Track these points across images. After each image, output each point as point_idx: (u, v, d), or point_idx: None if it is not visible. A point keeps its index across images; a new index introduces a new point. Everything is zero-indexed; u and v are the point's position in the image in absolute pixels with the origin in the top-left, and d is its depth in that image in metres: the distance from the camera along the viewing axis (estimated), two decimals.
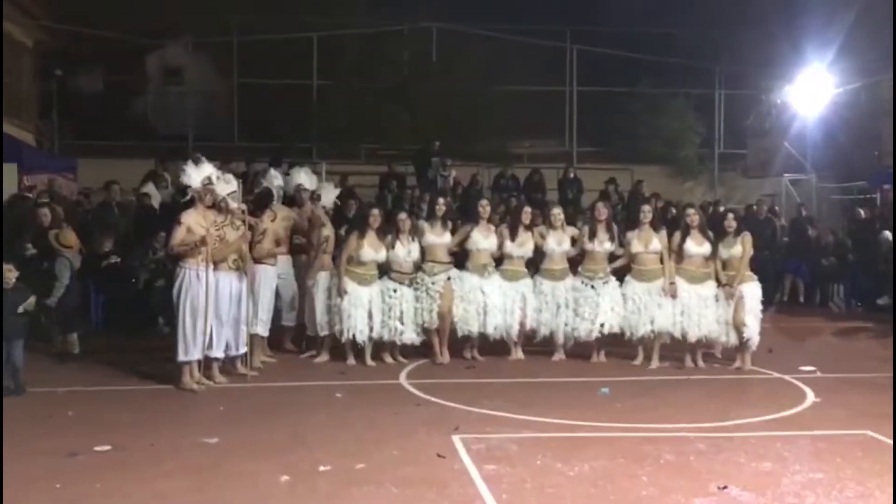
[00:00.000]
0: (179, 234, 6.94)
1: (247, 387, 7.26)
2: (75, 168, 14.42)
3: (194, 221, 7.02)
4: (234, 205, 7.36)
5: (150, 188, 12.38)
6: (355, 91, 17.98)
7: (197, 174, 7.13)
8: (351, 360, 8.32)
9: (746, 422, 6.20)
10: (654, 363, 8.35)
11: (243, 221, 7.40)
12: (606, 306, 8.39)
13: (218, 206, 7.25)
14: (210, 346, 7.14)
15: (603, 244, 8.54)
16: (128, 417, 6.16)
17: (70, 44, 18.46)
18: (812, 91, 17.69)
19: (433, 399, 6.80)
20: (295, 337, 9.00)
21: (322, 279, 8.39)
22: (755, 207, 14.91)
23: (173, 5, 18.91)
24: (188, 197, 7.16)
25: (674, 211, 12.85)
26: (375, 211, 8.54)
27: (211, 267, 7.03)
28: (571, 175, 15.94)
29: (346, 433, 5.75)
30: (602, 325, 8.38)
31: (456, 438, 5.57)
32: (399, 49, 19.02)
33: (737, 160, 19.95)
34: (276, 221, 8.31)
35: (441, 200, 8.75)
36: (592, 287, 8.47)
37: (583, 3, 19.37)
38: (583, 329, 8.45)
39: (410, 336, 8.34)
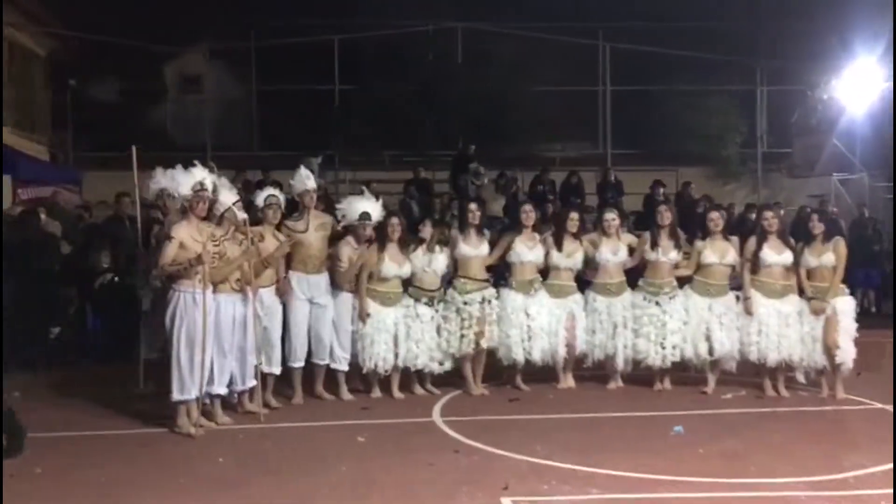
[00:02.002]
0: (171, 251, 5.94)
1: (253, 429, 6.25)
2: (79, 180, 13.57)
3: (188, 235, 6.02)
4: (240, 215, 6.39)
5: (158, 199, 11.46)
6: (378, 95, 17.29)
7: (186, 180, 6.13)
8: (376, 393, 7.30)
9: (867, 472, 5.04)
10: (711, 386, 7.36)
11: (246, 235, 6.42)
12: (675, 326, 7.33)
13: (218, 217, 6.29)
14: (211, 381, 6.16)
15: (668, 253, 7.45)
16: (106, 474, 5.13)
17: (84, 53, 18.04)
18: (861, 85, 16.69)
19: (474, 444, 5.73)
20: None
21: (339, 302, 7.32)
22: (808, 210, 13.77)
23: (190, 12, 18.48)
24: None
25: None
26: (395, 220, 7.40)
27: (210, 289, 6.05)
28: (612, 178, 14.87)
29: (370, 495, 4.72)
30: (674, 349, 7.31)
31: (507, 502, 4.51)
32: (423, 50, 18.33)
33: (781, 159, 19.04)
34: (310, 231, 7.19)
35: (473, 206, 7.64)
36: (657, 303, 7.40)
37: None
38: (651, 353, 7.37)
39: (426, 363, 7.29)
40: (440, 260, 7.37)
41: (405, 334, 7.22)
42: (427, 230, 7.45)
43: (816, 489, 4.73)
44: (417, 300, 7.29)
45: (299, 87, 17.92)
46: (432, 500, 4.61)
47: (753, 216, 12.43)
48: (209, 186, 6.16)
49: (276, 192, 7.13)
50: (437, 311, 7.34)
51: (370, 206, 7.30)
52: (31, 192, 11.11)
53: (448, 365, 7.40)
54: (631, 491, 4.74)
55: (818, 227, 7.27)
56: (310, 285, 7.10)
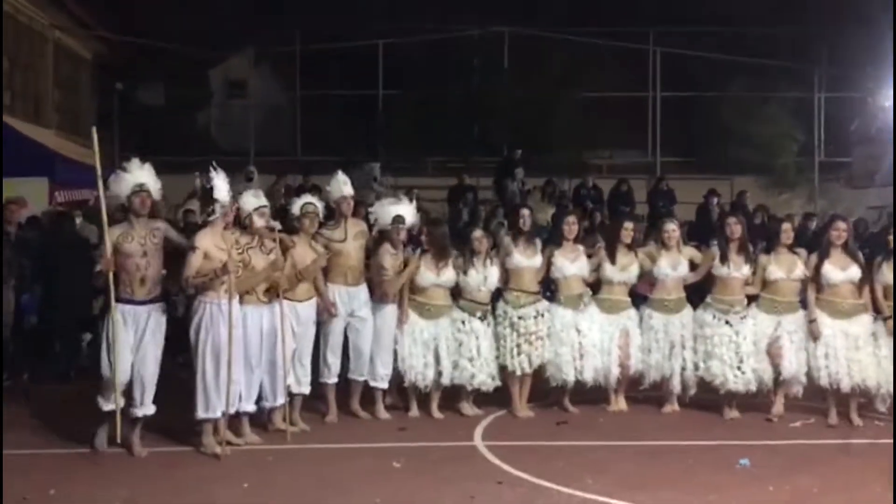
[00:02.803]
0: (195, 262, 5.61)
1: (283, 450, 5.90)
2: None
3: (212, 244, 5.70)
4: (265, 223, 6.06)
5: (194, 204, 11.27)
6: (422, 100, 17.14)
7: (225, 185, 5.81)
8: (414, 411, 6.92)
9: None
10: (778, 411, 6.85)
11: (276, 243, 6.09)
12: (749, 347, 6.82)
13: (242, 224, 5.99)
14: (239, 397, 5.85)
15: (740, 269, 6.94)
16: (121, 497, 4.81)
17: (130, 57, 18.18)
18: None
19: (519, 473, 5.29)
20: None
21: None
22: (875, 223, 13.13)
23: (235, 17, 18.51)
24: (213, 214, 5.83)
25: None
26: (437, 230, 7.08)
27: (236, 300, 5.73)
28: (664, 187, 14.33)
29: None
30: (754, 372, 6.82)
31: None
32: (469, 55, 18.14)
33: (839, 169, 18.37)
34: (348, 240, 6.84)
35: (525, 212, 7.18)
36: (728, 323, 6.89)
37: (665, 2, 18.28)
38: (729, 377, 6.83)
39: (483, 381, 6.89)
40: (493, 272, 6.98)
41: (454, 350, 6.83)
42: (483, 240, 7.02)
43: None
44: (472, 314, 6.90)
45: (343, 93, 17.90)
46: None
47: (813, 225, 11.96)
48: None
49: (314, 199, 6.77)
50: (488, 325, 6.94)
51: (403, 210, 6.94)
52: (68, 195, 10.92)
53: (497, 382, 6.99)
54: None
55: (892, 241, 6.71)
56: (350, 298, 6.74)
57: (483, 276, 6.93)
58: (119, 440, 5.54)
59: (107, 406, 5.61)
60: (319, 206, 6.70)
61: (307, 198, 6.80)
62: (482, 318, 6.93)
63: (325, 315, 6.57)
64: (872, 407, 6.89)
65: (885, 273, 6.71)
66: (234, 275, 5.65)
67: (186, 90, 19.04)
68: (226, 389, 5.63)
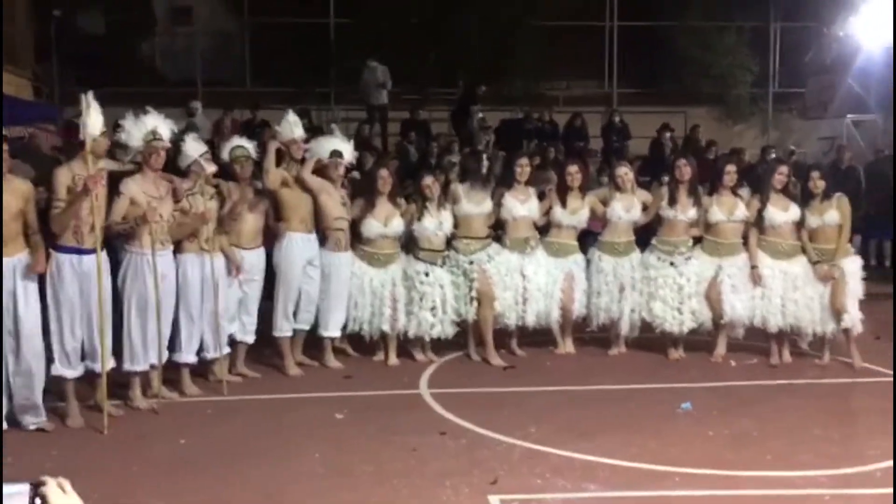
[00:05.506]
0: (119, 208, 5.38)
1: (223, 402, 5.78)
2: (55, 118, 12.84)
3: (139, 191, 5.45)
4: (208, 168, 5.81)
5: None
6: (376, 28, 16.43)
7: (137, 130, 5.51)
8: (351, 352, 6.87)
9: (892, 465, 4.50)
10: (720, 353, 6.93)
11: (217, 189, 5.87)
12: (692, 289, 6.83)
13: (186, 170, 5.75)
14: (177, 348, 5.71)
15: (686, 212, 6.89)
16: (53, 459, 4.65)
17: None
18: (879, 21, 15.70)
19: (462, 423, 5.26)
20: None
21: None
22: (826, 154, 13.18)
23: None
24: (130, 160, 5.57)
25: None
26: (384, 172, 6.81)
27: (169, 249, 5.57)
28: (618, 122, 14.16)
29: (340, 491, 4.25)
30: (693, 314, 6.83)
31: (495, 501, 4.06)
32: None
33: (793, 100, 18.27)
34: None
35: (483, 157, 7.01)
36: (672, 264, 6.86)
37: None
38: (668, 318, 6.86)
39: (444, 330, 6.80)
40: (447, 217, 6.81)
41: (408, 300, 6.72)
42: (434, 186, 6.81)
43: (840, 485, 4.29)
44: (433, 263, 6.76)
45: (294, 20, 17.18)
46: (412, 498, 4.16)
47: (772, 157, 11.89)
48: (164, 135, 5.55)
49: (242, 142, 6.42)
50: (449, 271, 6.82)
51: (340, 145, 6.69)
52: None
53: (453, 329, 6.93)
54: (632, 487, 4.30)
55: (819, 185, 6.69)
56: (308, 245, 6.50)
57: (438, 222, 6.77)
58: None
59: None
60: (250, 147, 6.35)
61: (235, 141, 6.47)
62: (443, 265, 6.81)
63: (233, 274, 6.19)
64: (798, 346, 7.02)
65: (808, 218, 6.71)
66: (158, 224, 5.42)
67: (128, 17, 18.18)
68: (155, 342, 5.49)
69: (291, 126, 6.56)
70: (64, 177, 5.10)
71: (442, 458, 4.68)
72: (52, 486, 1.53)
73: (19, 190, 5.01)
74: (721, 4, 17.37)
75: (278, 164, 6.51)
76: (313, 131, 8.61)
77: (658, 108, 15.81)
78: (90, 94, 5.17)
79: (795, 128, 17.91)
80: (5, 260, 4.90)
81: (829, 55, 17.57)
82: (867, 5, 15.92)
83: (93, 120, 5.13)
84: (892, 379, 6.27)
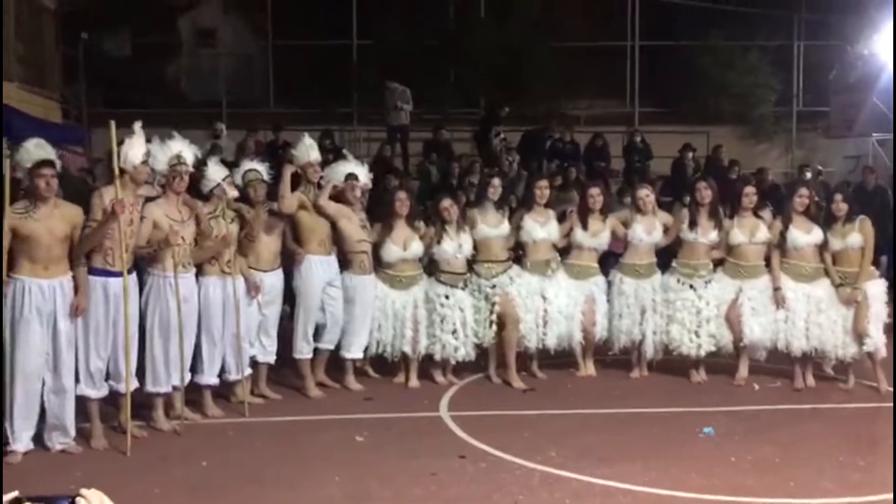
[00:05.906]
0: (143, 231, 5.47)
1: (244, 423, 5.83)
2: (83, 140, 13.05)
3: (162, 215, 5.55)
4: (230, 192, 5.89)
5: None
6: (398, 50, 16.59)
7: (163, 154, 5.60)
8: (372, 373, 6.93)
9: None
10: (742, 377, 6.85)
11: (238, 213, 5.94)
12: (711, 312, 6.80)
13: (209, 194, 5.84)
14: (199, 370, 5.77)
15: (707, 234, 6.87)
16: (75, 480, 4.62)
17: (96, 6, 17.53)
18: None
19: (482, 446, 5.26)
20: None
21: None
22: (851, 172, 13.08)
23: None
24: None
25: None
26: (402, 194, 6.87)
27: (191, 272, 5.63)
28: (639, 142, 14.13)
29: None
30: (710, 337, 6.80)
31: None
32: (444, 3, 17.72)
33: (817, 119, 18.15)
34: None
35: (496, 181, 7.04)
36: (692, 287, 6.84)
37: None
38: (685, 341, 6.84)
39: (468, 353, 6.83)
40: (467, 239, 6.83)
41: (430, 322, 6.74)
42: (453, 209, 6.83)
43: None
44: (454, 286, 6.77)
45: (317, 42, 17.37)
46: None
47: (808, 176, 11.79)
48: (188, 160, 5.63)
49: (255, 165, 6.45)
50: (470, 293, 6.85)
51: (355, 168, 6.76)
52: None
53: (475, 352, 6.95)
54: None
55: (842, 208, 6.64)
56: (327, 267, 6.56)
57: (458, 244, 6.79)
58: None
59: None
60: (262, 169, 6.37)
61: (247, 164, 6.52)
62: (464, 288, 6.82)
63: (251, 294, 6.21)
64: (822, 370, 6.97)
65: (830, 241, 6.66)
66: (181, 247, 5.50)
67: (154, 39, 18.51)
68: (177, 364, 5.54)
69: (307, 149, 6.61)
70: (102, 200, 5.20)
71: (461, 482, 4.67)
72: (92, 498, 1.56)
73: (69, 215, 5.15)
74: (744, 24, 17.36)
75: (295, 187, 6.57)
76: (336, 152, 8.69)
77: (680, 127, 15.82)
78: (138, 124, 5.32)
79: (820, 147, 17.79)
80: (48, 281, 5.00)
81: (854, 73, 17.48)
82: (891, 24, 15.89)
83: (136, 148, 5.25)
84: None
